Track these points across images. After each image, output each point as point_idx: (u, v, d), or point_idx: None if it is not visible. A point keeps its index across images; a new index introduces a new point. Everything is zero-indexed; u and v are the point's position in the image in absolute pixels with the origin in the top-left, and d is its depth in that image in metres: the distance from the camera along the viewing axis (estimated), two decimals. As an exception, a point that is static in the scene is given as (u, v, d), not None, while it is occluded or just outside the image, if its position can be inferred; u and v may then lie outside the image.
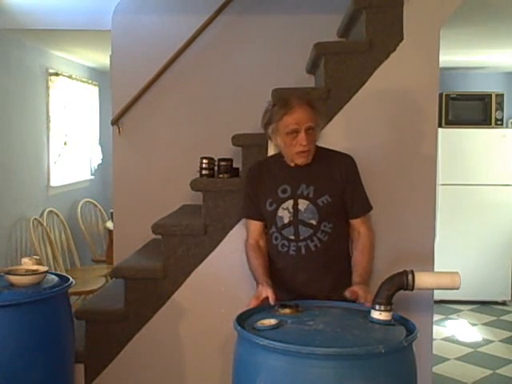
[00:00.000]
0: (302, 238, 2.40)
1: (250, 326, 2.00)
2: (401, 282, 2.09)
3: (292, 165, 2.42)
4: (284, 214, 2.41)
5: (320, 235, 2.39)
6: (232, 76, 3.77)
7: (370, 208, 2.50)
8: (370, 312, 2.07)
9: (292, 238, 2.41)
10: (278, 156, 2.48)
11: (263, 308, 2.16)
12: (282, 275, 2.44)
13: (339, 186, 2.41)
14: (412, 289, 2.11)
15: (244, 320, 2.06)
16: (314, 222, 2.39)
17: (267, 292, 2.20)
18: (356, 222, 2.47)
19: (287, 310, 2.09)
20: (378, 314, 2.04)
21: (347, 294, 2.23)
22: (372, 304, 2.07)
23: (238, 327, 1.97)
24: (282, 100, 2.38)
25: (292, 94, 2.45)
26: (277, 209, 2.42)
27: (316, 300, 2.30)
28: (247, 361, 1.94)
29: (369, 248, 2.44)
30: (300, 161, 2.38)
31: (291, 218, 2.40)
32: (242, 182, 2.63)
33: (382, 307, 2.04)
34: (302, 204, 2.39)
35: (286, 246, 2.43)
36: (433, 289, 2.25)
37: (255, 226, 2.51)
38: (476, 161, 5.39)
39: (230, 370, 2.07)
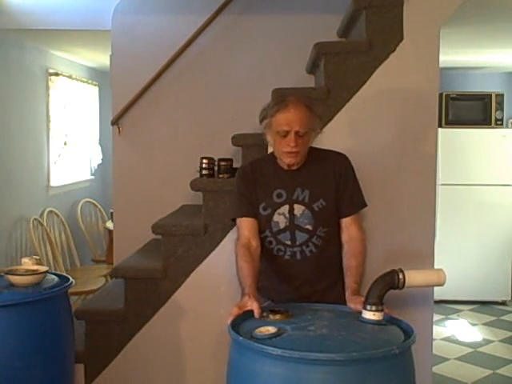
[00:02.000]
0: (298, 243, 2.36)
1: (248, 334, 1.90)
2: (392, 281, 2.08)
3: (285, 168, 2.38)
4: (280, 219, 2.37)
5: (315, 240, 2.36)
6: (232, 76, 3.77)
7: (363, 205, 2.44)
8: (360, 312, 2.04)
9: (288, 243, 2.37)
10: (271, 156, 2.43)
11: (250, 315, 2.06)
12: (277, 277, 2.42)
13: (333, 187, 2.37)
14: (402, 287, 2.10)
15: (235, 328, 1.97)
16: (310, 228, 2.35)
17: (253, 305, 2.07)
18: (346, 222, 2.40)
19: (278, 317, 2.02)
20: (371, 315, 2.01)
21: (352, 306, 2.17)
22: (364, 304, 2.04)
23: (244, 339, 1.87)
24: (280, 97, 2.37)
25: (292, 93, 2.42)
26: (272, 214, 2.37)
27: (304, 303, 2.26)
28: (253, 372, 1.85)
29: (362, 251, 2.37)
30: (287, 160, 2.33)
31: (287, 224, 2.36)
32: (235, 183, 2.53)
33: (374, 307, 2.01)
34: (298, 209, 2.35)
35: (281, 250, 2.39)
36: (421, 286, 2.25)
37: (248, 222, 2.38)
38: (476, 161, 5.39)
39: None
